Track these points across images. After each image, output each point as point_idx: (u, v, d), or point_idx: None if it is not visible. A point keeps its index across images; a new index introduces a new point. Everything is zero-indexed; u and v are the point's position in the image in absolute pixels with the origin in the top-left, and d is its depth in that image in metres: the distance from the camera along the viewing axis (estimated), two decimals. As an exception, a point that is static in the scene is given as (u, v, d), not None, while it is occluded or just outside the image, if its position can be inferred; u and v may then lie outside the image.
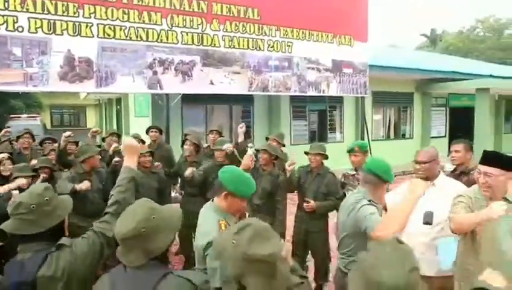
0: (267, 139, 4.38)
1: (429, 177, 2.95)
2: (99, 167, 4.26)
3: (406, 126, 14.04)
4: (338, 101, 11.85)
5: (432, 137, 14.43)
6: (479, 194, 2.46)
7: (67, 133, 4.72)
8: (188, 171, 4.24)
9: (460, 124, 14.97)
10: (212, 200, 2.13)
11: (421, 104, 14.16)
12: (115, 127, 14.98)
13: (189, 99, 9.51)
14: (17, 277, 1.55)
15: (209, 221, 1.99)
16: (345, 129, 12.00)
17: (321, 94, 8.64)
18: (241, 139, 4.92)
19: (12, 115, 15.22)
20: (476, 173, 2.47)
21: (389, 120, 13.71)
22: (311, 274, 4.20)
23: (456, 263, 2.63)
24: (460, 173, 3.66)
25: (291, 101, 11.09)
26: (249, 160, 2.82)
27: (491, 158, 2.39)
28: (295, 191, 4.32)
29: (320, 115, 11.97)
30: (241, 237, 1.31)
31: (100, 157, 4.41)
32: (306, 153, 4.17)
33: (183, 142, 5.08)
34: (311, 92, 8.48)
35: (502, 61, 34.63)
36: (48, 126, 25.93)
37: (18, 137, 6.10)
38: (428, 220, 2.71)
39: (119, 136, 5.74)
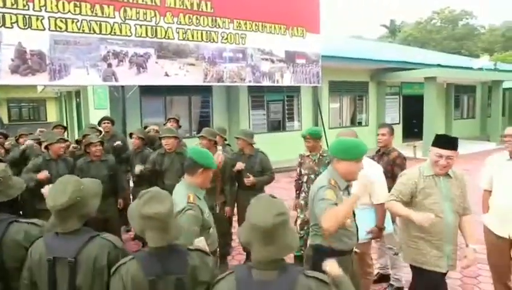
0: (236, 138, 4.64)
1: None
2: (63, 155, 4.41)
3: (362, 114, 14.68)
4: (295, 91, 12.26)
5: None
6: (426, 169, 2.73)
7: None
8: (137, 169, 4.53)
9: (413, 111, 15.81)
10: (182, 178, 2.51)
11: (375, 92, 14.82)
12: (75, 120, 14.84)
13: (147, 91, 9.64)
14: None
15: (180, 195, 2.33)
16: (303, 118, 12.45)
17: (275, 84, 9.00)
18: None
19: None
20: (435, 156, 2.64)
21: (346, 108, 14.29)
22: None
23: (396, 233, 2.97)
24: (383, 154, 4.04)
25: (249, 92, 11.40)
26: (219, 158, 3.06)
27: (450, 142, 2.67)
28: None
29: (278, 105, 12.35)
30: (140, 200, 1.62)
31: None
32: (236, 137, 4.55)
33: (130, 136, 5.51)
34: (266, 82, 8.82)
35: (456, 51, 36.37)
36: (6, 121, 25.10)
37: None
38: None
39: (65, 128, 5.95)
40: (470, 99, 18.97)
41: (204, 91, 10.67)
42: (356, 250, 2.68)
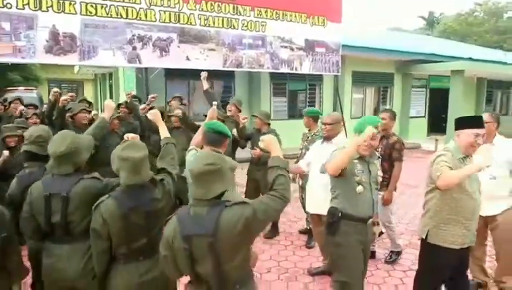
0: (253, 116, 5.16)
1: (330, 136, 3.64)
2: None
3: (385, 105, 14.61)
4: (318, 80, 12.41)
5: (411, 117, 15.04)
6: (455, 151, 2.80)
7: (56, 89, 5.24)
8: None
9: (440, 105, 15.56)
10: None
11: (401, 84, 14.71)
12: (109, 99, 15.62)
13: (172, 74, 10.13)
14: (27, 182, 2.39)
15: None
16: (324, 107, 12.61)
17: (293, 71, 9.23)
18: (205, 86, 5.69)
19: (9, 88, 15.77)
20: (472, 136, 2.72)
21: (370, 99, 14.29)
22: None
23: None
24: (382, 137, 4.28)
25: (271, 79, 11.67)
26: (212, 113, 3.41)
27: (482, 121, 2.82)
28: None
29: (300, 93, 12.56)
30: (120, 146, 2.05)
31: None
32: (253, 115, 5.04)
33: None
34: (284, 69, 9.07)
35: (498, 45, 34.85)
36: (45, 99, 26.54)
37: (10, 102, 6.76)
38: (322, 170, 3.42)
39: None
40: (504, 95, 18.37)
41: (227, 77, 11.04)
42: (378, 227, 2.95)
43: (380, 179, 3.07)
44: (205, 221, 1.76)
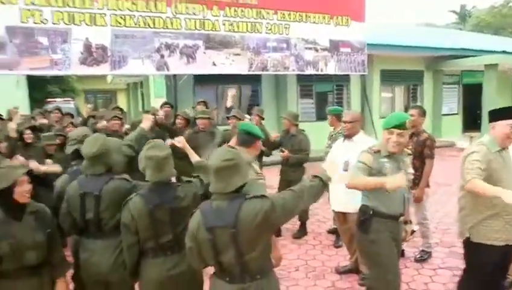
0: (281, 117, 5.33)
1: (351, 134, 3.66)
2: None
3: (416, 103, 14.32)
4: (345, 80, 12.34)
5: (444, 114, 14.64)
6: (491, 145, 2.74)
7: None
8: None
9: (475, 102, 15.06)
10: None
11: (431, 81, 14.37)
12: (139, 108, 16.16)
13: (200, 80, 10.36)
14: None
15: None
16: (352, 107, 12.51)
17: (319, 72, 9.24)
18: (229, 104, 5.89)
19: (48, 99, 16.60)
20: (509, 127, 2.67)
21: (400, 98, 14.04)
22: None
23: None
24: (412, 134, 4.25)
25: (298, 81, 11.71)
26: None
27: None
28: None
29: (327, 94, 12.52)
30: (146, 146, 2.21)
31: None
32: (281, 117, 5.20)
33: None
34: (310, 71, 9.10)
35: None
36: (82, 109, 27.73)
37: (50, 112, 7.17)
38: (345, 168, 3.46)
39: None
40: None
41: (254, 81, 11.17)
42: (411, 225, 2.98)
43: (411, 176, 3.01)
44: (226, 213, 1.87)
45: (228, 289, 1.92)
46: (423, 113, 4.42)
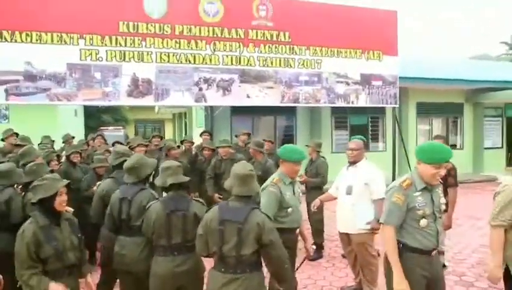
0: (306, 146, 5.80)
1: (355, 161, 3.96)
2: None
3: (456, 137, 14.09)
4: (380, 112, 12.50)
5: (486, 148, 14.25)
6: None
7: None
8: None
9: (521, 135, 14.59)
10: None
11: (472, 114, 14.13)
12: (183, 136, 17.12)
13: (237, 111, 10.98)
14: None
15: (270, 178, 3.41)
16: (386, 139, 12.58)
17: (350, 105, 9.56)
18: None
19: (101, 127, 18.00)
20: None
21: (437, 130, 13.88)
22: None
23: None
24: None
25: (332, 113, 12.04)
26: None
27: None
28: None
29: (361, 126, 12.70)
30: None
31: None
32: (306, 145, 5.60)
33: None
34: (341, 103, 9.45)
35: None
36: (131, 136, 29.55)
37: (94, 138, 7.93)
38: (348, 191, 3.78)
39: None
40: None
41: (289, 112, 11.65)
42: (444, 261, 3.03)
43: (444, 207, 2.87)
44: (239, 212, 2.36)
45: (222, 278, 2.32)
46: (447, 142, 4.61)
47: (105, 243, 3.29)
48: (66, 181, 2.63)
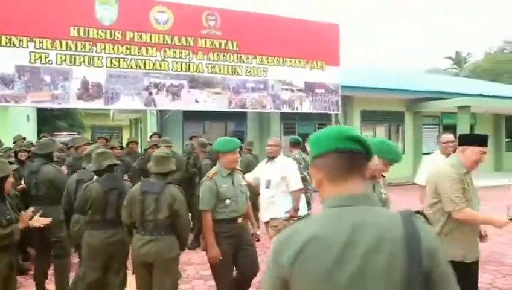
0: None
1: (274, 156, 4.48)
2: None
3: (397, 143, 15.12)
4: (327, 119, 13.25)
5: (424, 153, 15.37)
6: (459, 166, 2.81)
7: None
8: None
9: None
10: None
11: (412, 122, 15.24)
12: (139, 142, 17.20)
13: (190, 116, 11.34)
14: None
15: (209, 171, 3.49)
16: (333, 144, 13.34)
17: (294, 111, 10.20)
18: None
19: (55, 133, 17.73)
20: (479, 153, 2.78)
21: (381, 137, 14.87)
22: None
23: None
24: None
25: (281, 120, 12.67)
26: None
27: (487, 140, 2.88)
28: None
29: (309, 132, 13.41)
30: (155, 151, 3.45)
31: None
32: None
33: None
34: (285, 109, 10.07)
35: (531, 82, 34.38)
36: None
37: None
38: (267, 185, 4.28)
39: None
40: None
41: (239, 118, 12.15)
42: None
43: (384, 196, 2.98)
44: (156, 185, 2.87)
45: (141, 240, 2.82)
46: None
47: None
48: (15, 166, 3.08)
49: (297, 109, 10.19)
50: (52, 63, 7.82)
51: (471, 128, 14.73)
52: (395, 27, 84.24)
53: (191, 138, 7.81)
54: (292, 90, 10.07)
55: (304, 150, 6.09)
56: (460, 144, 2.88)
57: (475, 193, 2.89)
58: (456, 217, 2.69)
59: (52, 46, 7.81)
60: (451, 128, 15.88)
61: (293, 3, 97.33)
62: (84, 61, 8.04)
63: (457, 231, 2.73)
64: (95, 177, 3.24)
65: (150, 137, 8.03)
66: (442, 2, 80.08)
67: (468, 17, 72.70)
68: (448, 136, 4.31)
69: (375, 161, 2.71)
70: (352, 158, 1.08)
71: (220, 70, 9.20)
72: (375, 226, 1.00)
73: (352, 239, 0.98)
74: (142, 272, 2.84)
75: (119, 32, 8.29)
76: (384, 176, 3.04)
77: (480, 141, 2.84)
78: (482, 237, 2.98)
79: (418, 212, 1.09)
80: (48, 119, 21.18)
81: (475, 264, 2.84)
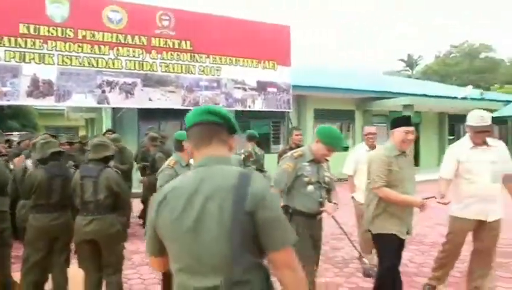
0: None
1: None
2: None
3: (348, 140, 15.89)
4: (281, 118, 13.74)
5: (374, 149, 16.23)
6: (392, 149, 3.04)
7: None
8: None
9: (402, 138, 16.79)
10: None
11: (362, 120, 16.04)
12: (94, 142, 17.02)
13: (145, 115, 11.44)
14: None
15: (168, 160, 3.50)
16: (287, 142, 13.87)
17: (247, 109, 10.57)
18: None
19: (6, 133, 17.14)
20: (404, 133, 2.99)
21: (333, 134, 15.56)
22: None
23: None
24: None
25: (236, 118, 12.91)
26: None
27: (410, 120, 3.14)
28: None
29: (265, 130, 13.85)
30: (93, 139, 3.27)
31: None
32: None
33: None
34: (238, 107, 10.41)
35: (475, 84, 36.71)
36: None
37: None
38: None
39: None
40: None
41: (196, 116, 12.36)
42: None
43: (327, 179, 3.17)
44: (94, 170, 3.12)
45: (83, 219, 3.04)
46: None
47: None
48: None
49: (249, 107, 10.56)
50: (0, 60, 7.76)
51: (417, 125, 15.75)
52: (393, 30, 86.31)
53: (146, 134, 8.05)
54: (245, 89, 10.44)
55: (259, 144, 6.47)
56: (390, 128, 3.19)
57: (411, 177, 3.13)
58: (377, 194, 2.99)
59: (0, 43, 7.74)
60: (398, 126, 16.89)
61: (293, 4, 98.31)
62: (34, 58, 8.03)
63: (391, 208, 3.00)
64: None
65: (104, 134, 8.17)
66: (441, 4, 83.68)
67: (466, 20, 76.27)
68: (369, 128, 4.71)
69: (319, 146, 2.99)
70: (212, 128, 1.35)
71: (173, 69, 9.42)
72: (216, 179, 1.25)
73: (197, 189, 1.24)
74: (85, 249, 3.06)
75: (71, 30, 8.33)
76: (327, 160, 3.25)
77: (403, 122, 3.11)
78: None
79: None
80: (-1, 119, 20.43)
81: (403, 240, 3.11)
